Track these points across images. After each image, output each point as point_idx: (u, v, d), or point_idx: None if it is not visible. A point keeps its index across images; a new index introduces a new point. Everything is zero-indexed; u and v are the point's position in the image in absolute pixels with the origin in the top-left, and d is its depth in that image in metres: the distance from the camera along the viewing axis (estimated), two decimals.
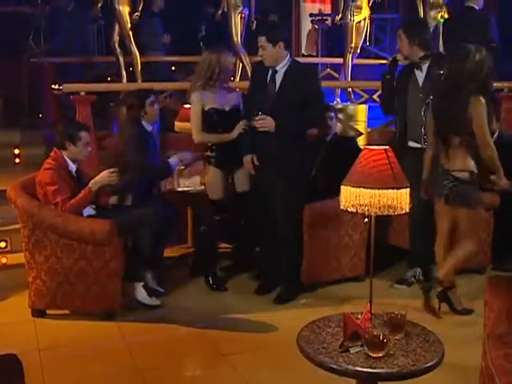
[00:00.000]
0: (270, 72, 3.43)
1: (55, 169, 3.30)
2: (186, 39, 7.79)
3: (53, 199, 3.26)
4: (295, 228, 3.56)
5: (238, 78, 6.20)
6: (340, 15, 6.30)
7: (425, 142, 3.58)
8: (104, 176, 3.34)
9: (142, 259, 3.49)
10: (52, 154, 3.39)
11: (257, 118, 3.36)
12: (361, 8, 6.09)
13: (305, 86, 3.38)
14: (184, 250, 4.50)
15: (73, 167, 3.41)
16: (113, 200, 3.55)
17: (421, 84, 3.61)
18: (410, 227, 3.83)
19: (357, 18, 6.11)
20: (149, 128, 3.77)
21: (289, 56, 3.43)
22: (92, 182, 3.33)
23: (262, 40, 3.37)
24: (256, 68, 3.56)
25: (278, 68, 3.41)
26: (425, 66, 3.60)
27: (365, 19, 6.19)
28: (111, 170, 3.37)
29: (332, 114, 4.06)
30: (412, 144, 3.67)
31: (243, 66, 6.12)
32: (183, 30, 7.79)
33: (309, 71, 3.66)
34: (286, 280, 3.63)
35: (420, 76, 3.62)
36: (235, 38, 5.98)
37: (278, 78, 3.42)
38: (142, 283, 3.48)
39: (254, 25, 6.18)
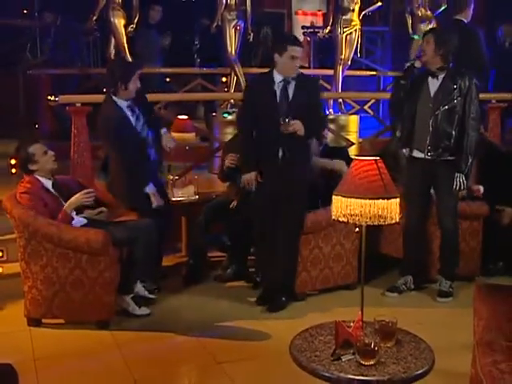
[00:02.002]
0: (281, 83, 3.45)
1: (30, 192, 3.29)
2: (181, 51, 7.87)
3: None
4: (295, 239, 3.60)
5: (232, 90, 6.28)
6: (329, 28, 6.38)
7: (428, 153, 3.63)
8: (79, 197, 3.33)
9: (135, 273, 3.51)
10: (24, 177, 3.37)
11: (291, 122, 3.36)
12: (351, 21, 6.17)
13: (312, 97, 3.49)
14: (178, 259, 4.50)
15: (48, 183, 3.39)
16: (87, 213, 3.49)
17: (432, 94, 3.61)
18: (404, 236, 3.86)
19: (347, 31, 6.20)
20: (123, 104, 3.58)
21: None
22: (67, 204, 3.32)
23: (301, 51, 3.46)
24: (254, 81, 3.60)
25: (290, 79, 3.46)
26: (440, 77, 3.60)
27: (356, 31, 6.27)
28: (87, 190, 3.37)
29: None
30: (416, 154, 3.71)
31: (237, 78, 6.19)
32: (178, 43, 7.87)
33: (315, 82, 3.76)
34: (283, 289, 3.66)
35: (433, 85, 3.61)
36: (229, 49, 6.04)
37: (290, 88, 3.46)
38: (132, 295, 3.51)
39: (251, 37, 6.23)
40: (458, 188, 3.60)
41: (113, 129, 3.55)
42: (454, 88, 3.55)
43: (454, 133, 3.57)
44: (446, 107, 3.56)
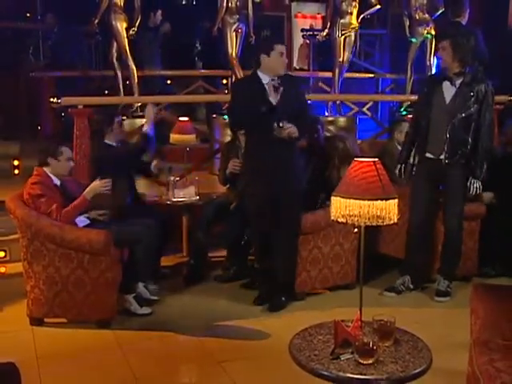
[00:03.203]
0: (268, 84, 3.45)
1: (41, 182, 3.36)
2: (182, 54, 7.92)
3: (47, 208, 3.31)
4: (292, 239, 3.63)
5: None
6: (326, 31, 6.40)
7: (446, 160, 3.62)
8: (97, 184, 3.40)
9: (136, 273, 3.56)
10: (34, 172, 3.44)
11: (287, 125, 3.31)
12: (349, 24, 6.19)
13: (299, 97, 3.49)
14: (179, 259, 4.53)
15: (57, 181, 3.46)
16: (92, 214, 3.56)
17: (448, 101, 3.60)
18: (408, 235, 3.87)
19: (345, 33, 6.22)
20: (112, 143, 3.93)
21: None
22: (87, 190, 3.40)
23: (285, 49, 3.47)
24: (241, 82, 3.62)
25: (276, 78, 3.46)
26: (457, 82, 3.58)
27: (354, 34, 6.30)
28: (105, 180, 3.42)
29: (319, 127, 4.16)
30: (429, 155, 3.73)
31: None
32: (179, 45, 7.91)
33: (300, 82, 3.75)
34: (282, 289, 3.69)
35: (448, 92, 3.60)
36: (230, 51, 6.08)
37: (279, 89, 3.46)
38: (134, 294, 3.56)
39: (253, 40, 6.27)
40: (473, 193, 3.63)
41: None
42: (471, 95, 3.53)
43: (470, 140, 3.59)
44: (463, 115, 3.55)
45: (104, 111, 4.09)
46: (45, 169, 3.42)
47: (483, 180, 3.64)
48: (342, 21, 6.15)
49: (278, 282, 3.68)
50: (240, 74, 6.11)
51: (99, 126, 3.94)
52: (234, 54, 6.07)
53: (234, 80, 6.24)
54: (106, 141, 3.92)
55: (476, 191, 3.63)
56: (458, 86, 3.59)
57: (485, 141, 3.58)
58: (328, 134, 4.75)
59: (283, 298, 3.67)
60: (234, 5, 5.96)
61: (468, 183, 3.63)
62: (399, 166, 3.84)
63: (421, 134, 3.73)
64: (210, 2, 6.62)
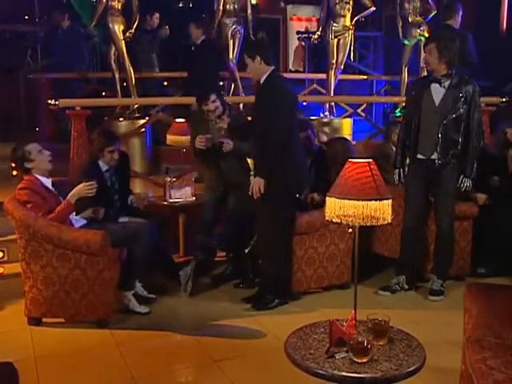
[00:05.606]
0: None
1: (29, 187, 3.35)
2: (179, 56, 7.92)
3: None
4: (272, 241, 3.62)
5: (231, 93, 6.35)
6: (318, 33, 6.41)
7: (438, 161, 3.67)
8: (81, 188, 3.37)
9: (135, 270, 3.57)
10: (24, 176, 3.43)
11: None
12: (343, 26, 6.22)
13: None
14: (176, 259, 4.56)
15: (48, 182, 3.45)
16: (86, 214, 3.57)
17: (437, 102, 3.64)
18: (403, 235, 3.91)
19: (339, 36, 6.26)
20: (104, 167, 3.82)
21: (270, 71, 3.49)
22: (70, 194, 3.37)
23: (245, 57, 3.56)
24: None
25: (261, 81, 3.53)
26: (446, 84, 3.63)
27: (348, 36, 6.34)
28: (89, 182, 3.38)
29: (309, 132, 4.20)
30: (420, 156, 3.78)
31: (235, 83, 6.25)
32: (176, 47, 7.92)
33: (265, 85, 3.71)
34: (274, 290, 3.70)
35: (437, 93, 3.64)
36: (227, 54, 6.11)
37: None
38: (132, 292, 3.59)
39: None
40: (464, 188, 3.70)
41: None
42: (460, 96, 3.59)
43: (460, 140, 3.65)
44: (454, 116, 3.61)
45: (107, 134, 3.97)
46: (31, 172, 3.41)
47: (475, 179, 3.69)
48: (335, 23, 6.18)
49: (268, 282, 3.69)
50: (236, 75, 6.14)
51: (100, 146, 3.79)
52: (231, 57, 6.09)
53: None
54: (100, 162, 3.82)
55: (466, 189, 3.69)
56: (446, 87, 3.64)
57: (475, 140, 3.65)
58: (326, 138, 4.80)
59: (276, 301, 3.68)
60: (231, 7, 5.96)
61: (459, 182, 3.69)
62: (397, 170, 3.87)
63: (411, 136, 3.77)
64: (207, 4, 6.64)
